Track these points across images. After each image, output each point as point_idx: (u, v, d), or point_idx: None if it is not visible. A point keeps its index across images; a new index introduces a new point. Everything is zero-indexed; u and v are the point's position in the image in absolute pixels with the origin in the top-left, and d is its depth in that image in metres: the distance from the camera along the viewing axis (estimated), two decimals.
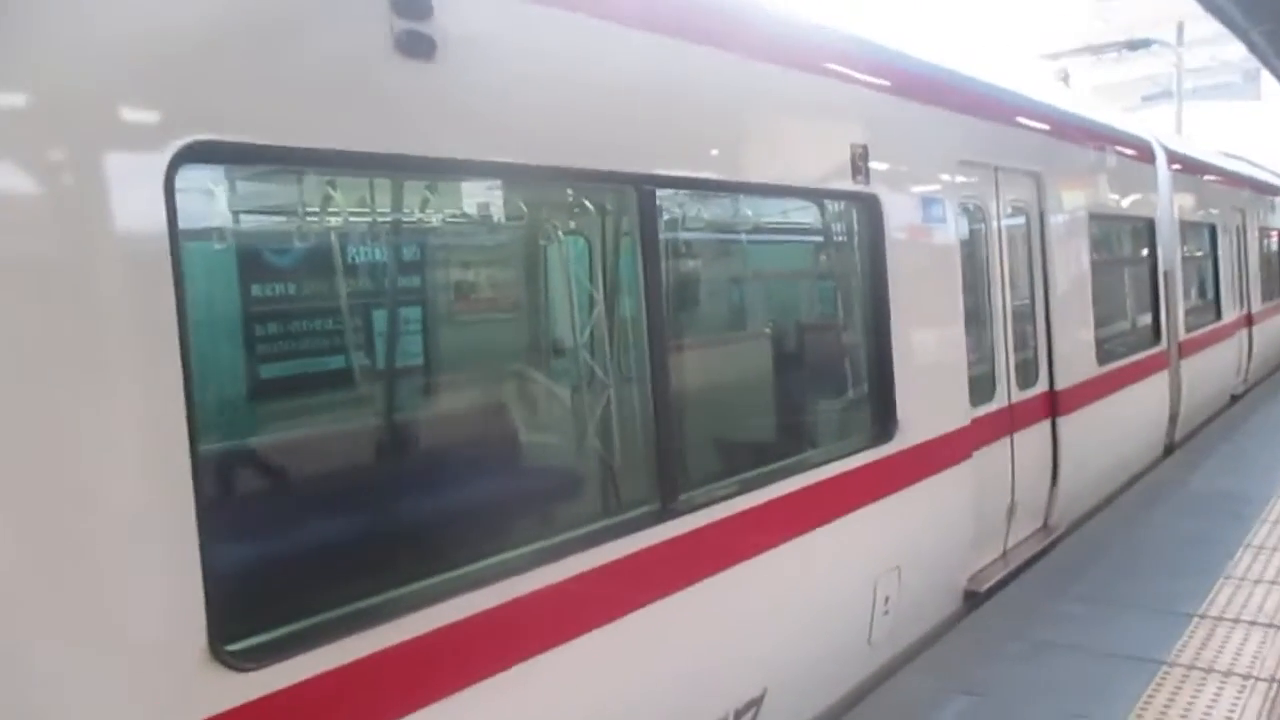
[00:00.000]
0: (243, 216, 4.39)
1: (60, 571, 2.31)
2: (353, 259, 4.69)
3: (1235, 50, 17.46)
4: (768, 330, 5.97)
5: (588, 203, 4.80)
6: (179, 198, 2.56)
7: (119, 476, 2.42)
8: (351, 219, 4.37)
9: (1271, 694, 4.82)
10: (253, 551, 3.24)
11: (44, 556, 2.29)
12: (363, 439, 4.40)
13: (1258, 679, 4.98)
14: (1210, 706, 4.72)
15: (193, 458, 2.53)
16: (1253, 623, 5.69)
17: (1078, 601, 6.15)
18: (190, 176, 2.78)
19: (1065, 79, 12.70)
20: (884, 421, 5.43)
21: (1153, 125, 12.36)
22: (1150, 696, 4.84)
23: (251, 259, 4.50)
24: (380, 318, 4.78)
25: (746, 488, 4.45)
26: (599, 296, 4.77)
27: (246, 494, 3.55)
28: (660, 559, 3.92)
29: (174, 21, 2.59)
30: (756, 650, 4.48)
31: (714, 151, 4.51)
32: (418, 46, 3.12)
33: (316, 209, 4.28)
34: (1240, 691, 4.85)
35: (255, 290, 4.56)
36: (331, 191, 4.20)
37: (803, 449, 5.26)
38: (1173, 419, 10.88)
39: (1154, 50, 21.16)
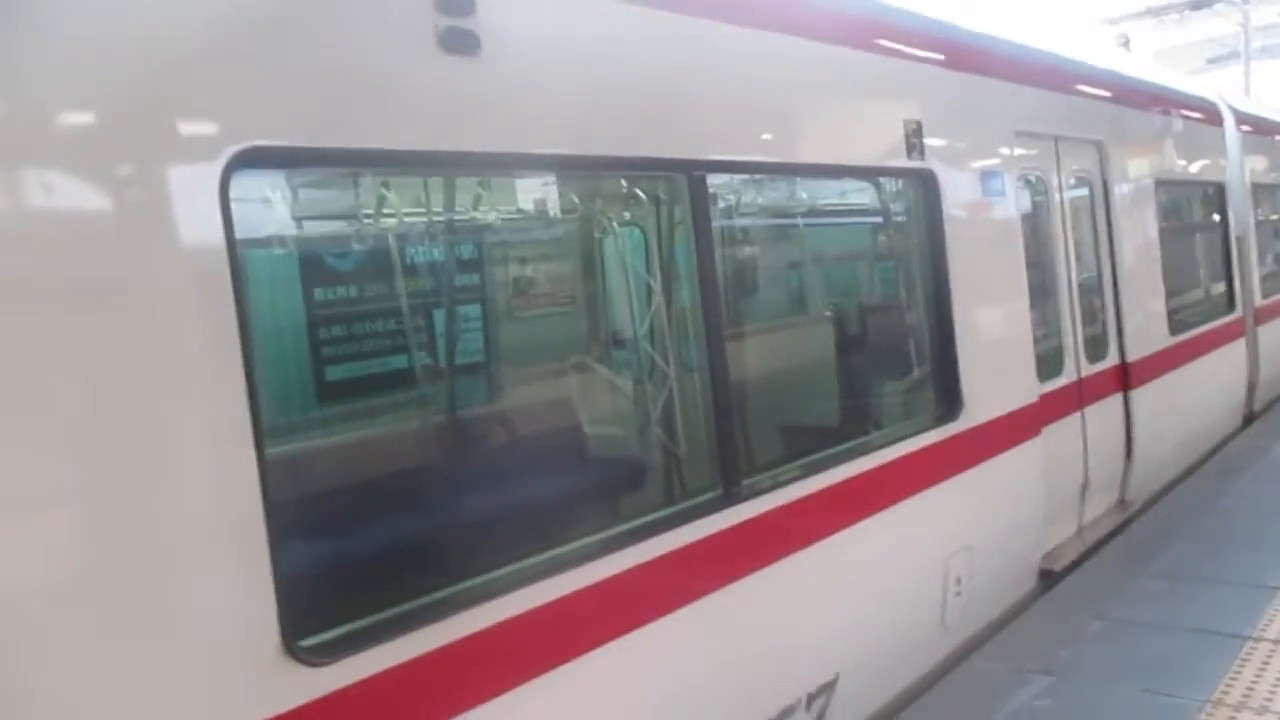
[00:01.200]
0: (299, 221, 4.46)
1: (135, 574, 2.37)
2: (410, 259, 4.74)
3: None
4: (827, 313, 5.91)
5: (641, 192, 4.79)
6: (234, 204, 2.61)
7: (187, 481, 2.47)
8: (406, 219, 4.42)
9: None
10: (322, 549, 3.30)
11: (117, 560, 2.35)
12: (427, 435, 4.45)
13: None
14: None
15: (259, 460, 2.58)
16: None
17: (1157, 577, 6.01)
18: (245, 183, 2.83)
19: (1126, 43, 12.38)
20: (949, 401, 5.34)
21: (1219, 86, 11.98)
22: (1236, 672, 4.70)
23: (310, 263, 4.57)
24: (440, 316, 4.83)
25: (810, 472, 4.42)
26: (656, 286, 4.76)
27: (314, 494, 3.60)
28: (724, 545, 3.90)
29: (221, 28, 2.63)
30: (827, 634, 4.44)
31: (764, 134, 4.47)
32: (462, 42, 3.13)
33: (371, 211, 4.33)
34: None
35: (316, 294, 4.64)
36: (385, 192, 4.24)
37: (866, 431, 5.20)
38: (1251, 387, 10.56)
39: (1218, 10, 20.55)
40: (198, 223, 2.52)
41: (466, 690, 3.02)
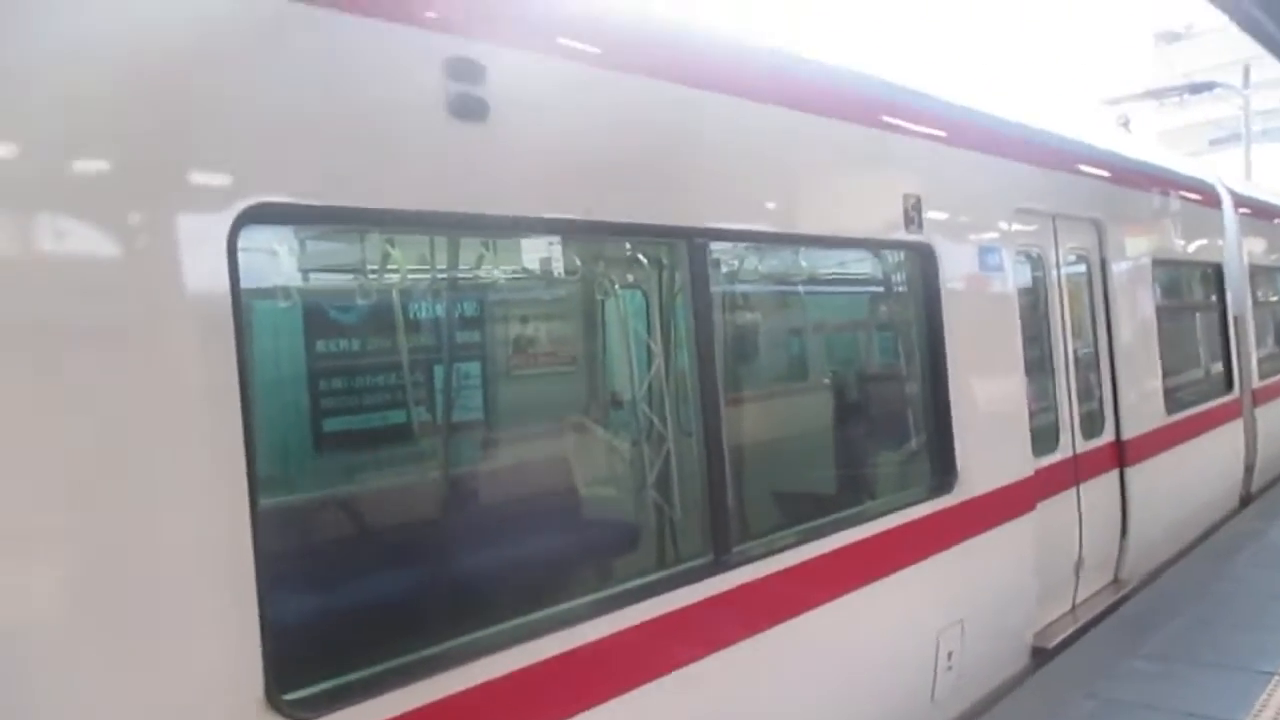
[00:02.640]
0: (305, 274, 4.51)
1: (126, 620, 2.38)
2: (413, 315, 4.79)
3: None
4: (824, 382, 5.95)
5: (643, 256, 4.86)
6: (243, 257, 2.67)
7: (179, 528, 2.49)
8: (410, 275, 4.47)
9: None
10: (312, 602, 3.30)
11: (111, 606, 2.36)
12: (421, 492, 4.46)
13: None
14: None
15: (252, 510, 2.60)
16: None
17: (1150, 659, 5.96)
18: (254, 235, 2.89)
19: (1126, 124, 12.55)
20: (943, 473, 5.36)
21: (1219, 169, 12.14)
22: None
23: (314, 316, 4.62)
24: (439, 373, 4.86)
25: (802, 540, 4.41)
26: (655, 349, 4.80)
27: (306, 546, 3.61)
28: (714, 611, 3.89)
29: (245, 90, 2.71)
30: (816, 705, 4.41)
31: (765, 204, 4.54)
32: (471, 108, 3.21)
33: (376, 267, 4.39)
34: None
35: (320, 347, 4.68)
36: (390, 249, 4.30)
37: (860, 501, 5.21)
38: (1249, 469, 10.55)
39: (1219, 93, 20.86)
40: (204, 274, 2.57)
41: None
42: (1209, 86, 16.18)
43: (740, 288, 5.32)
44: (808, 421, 5.67)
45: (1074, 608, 6.91)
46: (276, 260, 4.01)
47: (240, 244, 2.65)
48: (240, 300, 2.62)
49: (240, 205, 2.64)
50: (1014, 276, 6.22)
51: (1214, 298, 10.21)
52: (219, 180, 2.65)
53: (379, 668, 2.97)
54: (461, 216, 3.28)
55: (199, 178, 2.62)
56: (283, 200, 2.76)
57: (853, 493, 5.39)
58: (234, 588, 2.56)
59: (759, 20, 5.13)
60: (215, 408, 2.56)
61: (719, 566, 3.97)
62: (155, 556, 2.44)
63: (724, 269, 5.04)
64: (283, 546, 3.26)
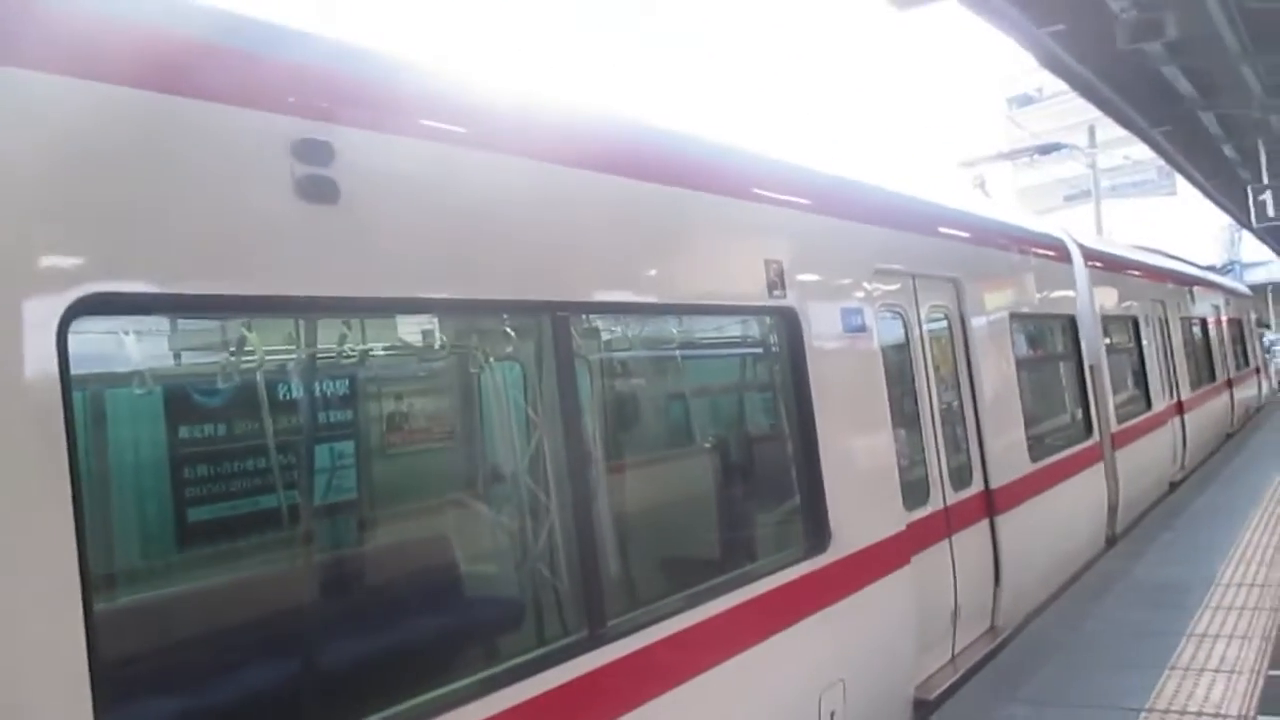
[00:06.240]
0: (159, 358, 4.35)
1: None
2: (281, 397, 4.64)
3: (1146, 149, 18.26)
4: (695, 448, 5.98)
5: (512, 330, 4.83)
6: (91, 341, 2.58)
7: (8, 632, 2.35)
8: (274, 358, 4.35)
9: None
10: (159, 707, 3.14)
11: None
12: (295, 582, 4.30)
13: None
14: None
15: (86, 614, 2.47)
16: (1198, 713, 5.68)
17: (1026, 703, 6.10)
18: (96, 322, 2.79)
19: (981, 185, 13.20)
20: (816, 533, 5.43)
21: (1070, 225, 12.83)
22: None
23: (174, 402, 4.45)
24: (309, 454, 4.72)
25: (677, 610, 4.40)
26: (535, 419, 4.76)
27: (154, 647, 3.44)
28: (589, 689, 3.84)
29: (75, 179, 2.63)
30: None
31: (629, 275, 4.60)
32: (320, 190, 3.18)
33: (235, 349, 4.26)
34: None
35: (182, 433, 4.50)
36: (248, 333, 4.19)
37: (735, 566, 5.22)
38: (1112, 510, 11.01)
39: (1070, 153, 22.12)
40: (32, 366, 2.47)
41: None
42: (1056, 147, 17.14)
43: (609, 357, 5.34)
44: (680, 488, 5.69)
45: (953, 658, 7.05)
46: (127, 346, 3.86)
47: (80, 331, 2.57)
48: (69, 392, 2.52)
49: (71, 296, 2.55)
50: (877, 335, 6.40)
51: (1069, 348, 10.69)
52: (49, 271, 2.56)
53: None
54: (314, 299, 3.23)
55: (27, 268, 2.52)
56: (119, 290, 2.68)
57: (727, 559, 5.41)
58: (67, 699, 2.42)
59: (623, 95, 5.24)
60: (42, 504, 2.43)
61: (595, 641, 3.93)
62: None
63: (592, 340, 5.06)
64: (127, 649, 3.10)
